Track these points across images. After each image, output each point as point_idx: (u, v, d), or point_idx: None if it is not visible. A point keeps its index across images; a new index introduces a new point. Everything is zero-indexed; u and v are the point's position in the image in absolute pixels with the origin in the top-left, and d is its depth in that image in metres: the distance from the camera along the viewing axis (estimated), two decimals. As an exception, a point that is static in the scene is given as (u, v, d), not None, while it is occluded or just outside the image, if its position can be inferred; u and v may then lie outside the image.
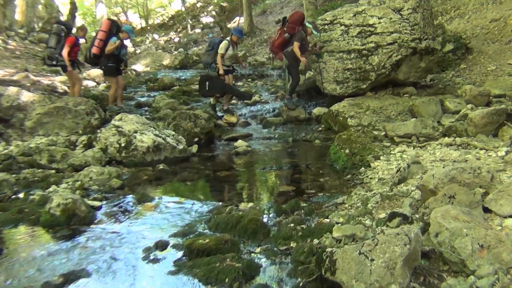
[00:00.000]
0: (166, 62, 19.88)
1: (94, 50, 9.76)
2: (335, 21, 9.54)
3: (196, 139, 7.95)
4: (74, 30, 10.88)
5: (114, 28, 9.86)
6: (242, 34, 10.36)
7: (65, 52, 9.56)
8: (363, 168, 5.78)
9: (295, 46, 9.35)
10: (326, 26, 9.65)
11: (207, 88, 9.77)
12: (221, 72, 9.65)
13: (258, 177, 6.21)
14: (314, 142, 8.12)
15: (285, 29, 9.82)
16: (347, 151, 6.26)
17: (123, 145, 6.80)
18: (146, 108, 11.08)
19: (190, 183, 5.99)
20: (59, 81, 12.75)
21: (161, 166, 6.57)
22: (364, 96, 9.36)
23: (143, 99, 12.15)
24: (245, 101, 11.43)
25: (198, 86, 10.29)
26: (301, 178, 5.98)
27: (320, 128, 9.07)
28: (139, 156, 6.75)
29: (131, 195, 5.26)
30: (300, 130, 9.11)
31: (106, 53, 9.69)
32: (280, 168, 6.43)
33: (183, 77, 16.45)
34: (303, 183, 5.67)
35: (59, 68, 10.60)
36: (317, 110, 9.90)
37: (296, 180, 5.92)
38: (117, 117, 7.47)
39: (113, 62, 9.89)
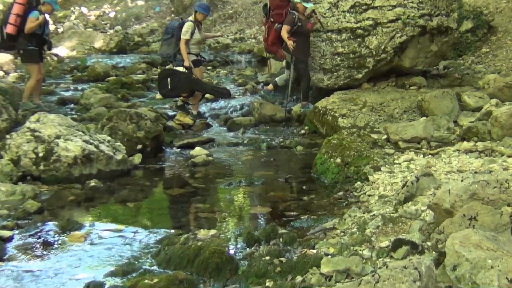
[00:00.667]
0: (98, 44, 19.75)
1: (10, 29, 9.55)
2: (321, -8, 9.67)
3: (139, 146, 7.90)
4: None
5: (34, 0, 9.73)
6: (208, 10, 10.37)
7: None
8: (359, 182, 5.85)
9: (283, 30, 9.32)
10: (309, -2, 9.75)
11: (169, 87, 9.68)
12: (187, 63, 9.62)
13: (222, 196, 6.22)
14: (296, 149, 8.19)
15: (271, 19, 9.81)
16: (338, 160, 6.32)
17: (41, 155, 6.72)
18: (72, 105, 10.99)
19: (132, 204, 5.98)
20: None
21: (92, 183, 6.52)
22: (360, 89, 9.50)
23: (67, 94, 12.06)
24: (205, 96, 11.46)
25: (157, 84, 10.28)
26: (279, 196, 6.01)
27: (302, 131, 9.16)
28: (63, 170, 6.69)
29: (52, 222, 5.20)
30: (277, 134, 9.20)
31: (26, 32, 9.53)
32: (251, 184, 6.46)
33: (121, 65, 16.38)
34: (282, 203, 5.71)
35: None
36: (298, 108, 10.01)
37: (273, 199, 5.95)
38: (33, 117, 7.37)
39: (35, 45, 9.75)
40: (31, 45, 9.66)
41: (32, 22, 9.45)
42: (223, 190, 6.36)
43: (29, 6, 9.56)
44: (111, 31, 24.93)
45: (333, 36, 9.39)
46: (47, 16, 9.99)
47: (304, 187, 6.19)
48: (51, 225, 5.11)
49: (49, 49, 10.52)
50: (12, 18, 9.53)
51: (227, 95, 10.66)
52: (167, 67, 11.50)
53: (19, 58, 10.83)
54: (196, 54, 9.98)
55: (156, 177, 7.11)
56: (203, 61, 10.39)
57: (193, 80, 9.74)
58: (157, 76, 11.19)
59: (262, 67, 15.87)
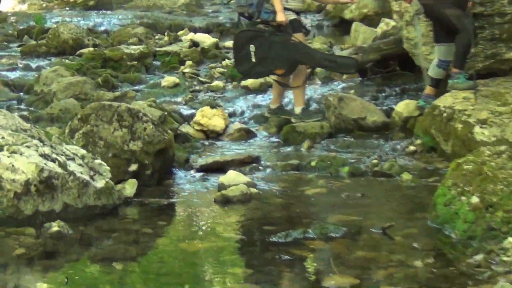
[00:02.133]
0: (64, -7, 20.05)
1: None
2: None
3: (133, 167, 7.98)
4: None
5: None
6: None
7: None
8: (510, 239, 5.78)
9: None
10: None
11: (253, 59, 9.78)
12: (282, 18, 9.69)
13: (271, 256, 6.19)
14: (400, 177, 8.18)
15: None
16: (474, 199, 6.26)
17: (-30, 177, 6.83)
18: (21, 94, 11.13)
19: (121, 266, 5.94)
20: None
21: (55, 227, 6.54)
22: (511, 78, 9.40)
23: (13, 76, 12.23)
24: (243, 83, 11.51)
25: (234, 55, 10.31)
26: (371, 259, 5.97)
27: (412, 148, 9.11)
28: (7, 204, 6.74)
29: (-14, 293, 5.27)
30: (368, 151, 9.23)
31: None
32: (323, 236, 6.41)
33: (102, 28, 16.59)
34: (377, 271, 5.67)
35: None
36: (404, 107, 10.04)
37: (361, 263, 5.91)
38: (-42, 114, 7.52)
39: None
40: None
41: None
42: (274, 246, 6.31)
43: None
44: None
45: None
46: None
47: (415, 245, 6.14)
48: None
49: None
50: None
51: (352, 67, 10.64)
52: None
53: None
54: (297, 12, 10.09)
55: (161, 220, 7.14)
56: (305, 31, 10.34)
57: (295, 45, 9.75)
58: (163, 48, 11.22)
59: (340, 35, 15.92)
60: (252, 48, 9.59)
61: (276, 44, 9.54)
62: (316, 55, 10.24)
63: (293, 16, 9.80)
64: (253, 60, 9.58)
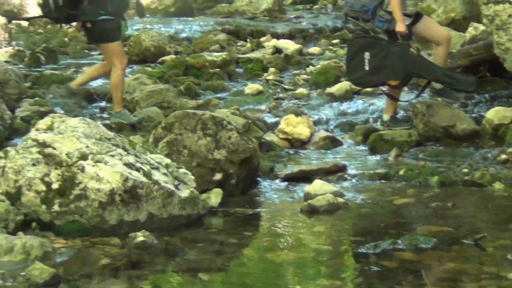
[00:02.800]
0: (146, 0, 20.23)
1: None
2: None
3: (218, 176, 8.02)
4: None
5: None
6: None
7: None
8: None
9: None
10: None
11: (367, 67, 9.73)
12: (401, 28, 9.58)
13: (360, 267, 6.17)
14: (492, 187, 8.06)
15: None
16: None
17: (56, 186, 6.87)
18: (104, 103, 11.26)
19: (207, 276, 5.95)
20: None
21: (140, 237, 6.61)
22: None
23: (96, 84, 12.37)
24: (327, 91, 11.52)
25: (347, 62, 10.34)
26: (463, 270, 5.92)
27: (504, 156, 8.97)
28: (92, 213, 6.81)
29: (74, 303, 5.32)
30: (458, 160, 9.14)
31: None
32: (413, 248, 6.37)
33: (184, 35, 16.71)
34: (469, 283, 5.61)
35: None
36: (495, 114, 9.89)
37: (453, 275, 5.86)
38: (42, 123, 7.59)
39: (111, 12, 10.06)
40: (103, 12, 9.98)
41: None
42: (363, 257, 6.30)
43: None
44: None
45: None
46: None
47: (508, 256, 6.06)
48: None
49: (141, 15, 10.94)
50: None
51: (472, 85, 10.28)
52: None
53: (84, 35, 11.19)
54: (409, 15, 10.02)
55: (246, 231, 7.17)
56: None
57: (413, 57, 9.66)
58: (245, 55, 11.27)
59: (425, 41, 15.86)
60: (366, 55, 9.50)
61: (393, 54, 9.42)
62: (436, 70, 9.95)
63: (407, 22, 9.69)
64: (366, 68, 9.49)
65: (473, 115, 10.02)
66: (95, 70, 10.63)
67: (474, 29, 13.25)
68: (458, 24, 14.96)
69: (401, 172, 8.62)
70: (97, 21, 9.95)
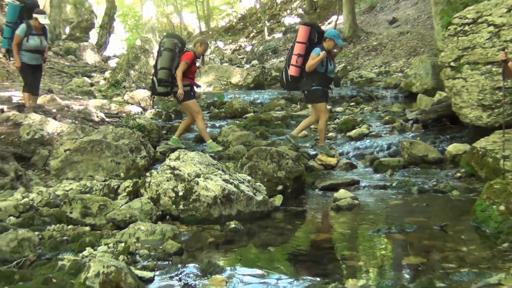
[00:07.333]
0: (235, 79, 20.37)
1: (292, 70, 10.09)
2: (479, 20, 9.45)
3: (280, 187, 8.05)
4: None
5: (315, 35, 10.10)
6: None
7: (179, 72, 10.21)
8: (527, 233, 5.60)
9: None
10: (466, 27, 9.60)
11: None
12: None
13: (369, 244, 6.14)
14: (451, 193, 7.98)
15: None
16: (501, 207, 6.07)
17: (181, 194, 7.00)
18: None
19: (273, 249, 6.00)
20: (94, 105, 13.43)
21: (232, 224, 6.66)
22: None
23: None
24: (347, 134, 11.49)
25: None
26: (433, 246, 5.83)
27: (458, 174, 8.89)
28: (203, 210, 6.90)
29: (192, 264, 5.37)
30: (430, 176, 9.01)
31: (307, 71, 9.96)
32: (402, 231, 6.31)
33: (259, 101, 16.83)
34: (437, 253, 5.54)
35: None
36: (453, 148, 9.77)
37: (426, 248, 5.78)
38: (173, 155, 7.72)
39: (318, 84, 10.09)
40: (315, 84, 10.04)
41: (312, 59, 9.83)
42: (371, 237, 6.26)
43: (310, 44, 9.98)
44: (248, 65, 25.68)
45: (494, 69, 9.12)
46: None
47: (462, 237, 5.99)
48: (191, 267, 5.27)
49: (337, 85, 10.83)
50: (293, 59, 10.05)
51: None
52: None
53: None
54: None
55: (298, 221, 7.17)
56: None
57: None
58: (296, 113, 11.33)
59: (410, 102, 15.76)
60: None
61: None
62: None
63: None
64: None
65: (439, 148, 9.91)
66: (308, 121, 10.69)
67: (439, 95, 13.23)
68: (429, 92, 14.88)
69: (394, 184, 8.56)
70: (311, 90, 10.06)
